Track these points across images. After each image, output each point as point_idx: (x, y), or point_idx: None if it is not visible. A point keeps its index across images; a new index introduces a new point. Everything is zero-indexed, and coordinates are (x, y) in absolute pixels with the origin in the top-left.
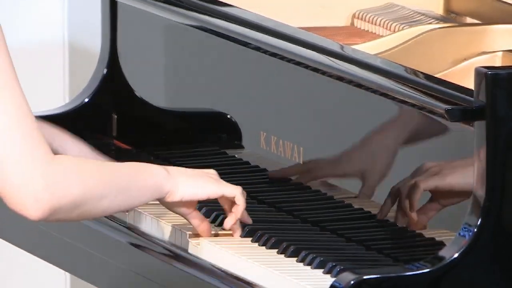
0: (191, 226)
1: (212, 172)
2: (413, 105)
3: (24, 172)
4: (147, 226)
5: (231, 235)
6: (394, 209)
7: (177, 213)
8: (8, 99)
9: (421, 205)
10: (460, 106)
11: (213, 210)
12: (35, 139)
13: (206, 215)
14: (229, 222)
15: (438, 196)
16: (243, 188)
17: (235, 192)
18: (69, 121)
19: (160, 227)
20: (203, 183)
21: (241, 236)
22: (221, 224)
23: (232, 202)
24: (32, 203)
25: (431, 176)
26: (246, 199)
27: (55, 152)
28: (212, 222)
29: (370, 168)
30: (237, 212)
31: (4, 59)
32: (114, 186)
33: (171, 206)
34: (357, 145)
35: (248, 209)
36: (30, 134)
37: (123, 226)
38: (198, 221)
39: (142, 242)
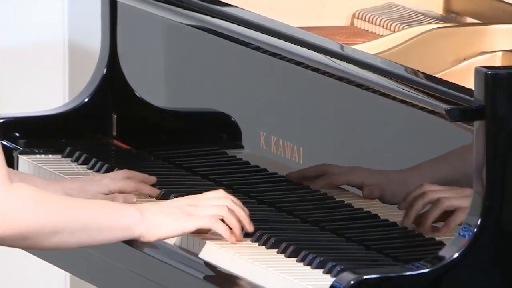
0: None
1: (188, 202)
2: (413, 105)
3: None
4: None
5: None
6: (395, 210)
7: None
8: None
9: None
10: (460, 106)
11: None
12: None
13: None
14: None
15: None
16: (243, 188)
17: (210, 223)
18: (69, 121)
19: None
20: (176, 220)
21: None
22: None
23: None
24: None
25: (452, 193)
26: (247, 200)
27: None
28: None
29: (370, 168)
30: (225, 236)
31: None
32: (72, 224)
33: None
34: (357, 145)
35: (248, 209)
36: None
37: None
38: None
39: (141, 242)
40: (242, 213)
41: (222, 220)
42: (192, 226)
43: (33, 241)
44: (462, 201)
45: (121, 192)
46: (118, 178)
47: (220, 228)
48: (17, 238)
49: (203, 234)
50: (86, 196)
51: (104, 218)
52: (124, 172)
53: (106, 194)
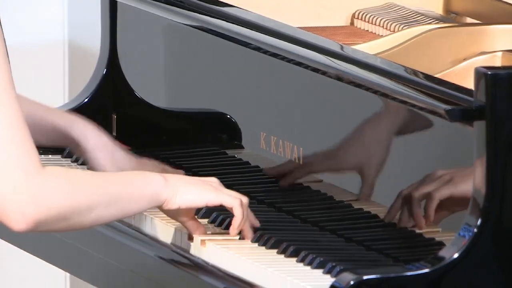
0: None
1: (213, 180)
2: (413, 105)
3: (10, 182)
4: (147, 227)
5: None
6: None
7: (174, 220)
8: (1, 107)
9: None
10: (460, 106)
11: (212, 210)
12: (25, 149)
13: (206, 215)
14: (231, 231)
15: (452, 203)
16: (243, 188)
17: (233, 203)
18: None
19: (160, 228)
20: (201, 190)
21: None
22: (220, 224)
23: None
24: (16, 215)
25: (444, 185)
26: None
27: (76, 140)
28: (212, 222)
29: (370, 168)
30: (235, 223)
31: (2, 67)
32: (104, 197)
33: (169, 213)
34: (357, 145)
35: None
36: (20, 143)
37: (124, 226)
38: (195, 228)
39: (142, 242)
40: (252, 219)
41: None
42: (216, 198)
43: (72, 221)
44: (453, 189)
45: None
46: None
47: (240, 212)
48: (57, 219)
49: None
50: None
51: (132, 188)
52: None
53: None
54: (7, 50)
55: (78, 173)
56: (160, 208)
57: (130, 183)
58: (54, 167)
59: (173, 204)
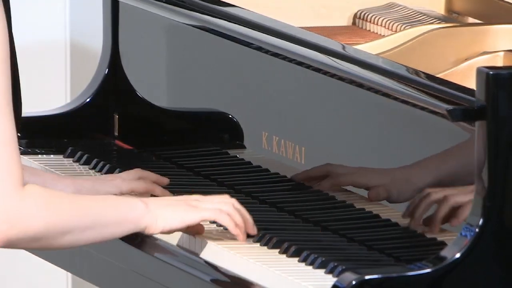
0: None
1: (193, 197)
2: (414, 105)
3: None
4: None
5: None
6: (397, 210)
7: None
8: None
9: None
10: (461, 106)
11: None
12: (8, 167)
13: None
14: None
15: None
16: (245, 188)
17: (214, 216)
18: (71, 121)
19: None
20: (182, 212)
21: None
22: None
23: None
24: None
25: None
26: (248, 200)
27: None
28: (212, 222)
29: (372, 168)
30: (232, 231)
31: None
32: (81, 222)
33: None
34: (359, 145)
35: (250, 209)
36: (4, 161)
37: None
38: (194, 232)
39: (142, 242)
40: (247, 215)
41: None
42: (196, 217)
43: (46, 242)
44: (468, 196)
45: (133, 191)
46: (130, 178)
47: (225, 219)
48: (30, 240)
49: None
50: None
51: (111, 214)
52: (136, 172)
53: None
54: (13, 67)
55: (57, 195)
56: (144, 233)
57: (110, 208)
58: (34, 187)
59: (155, 230)
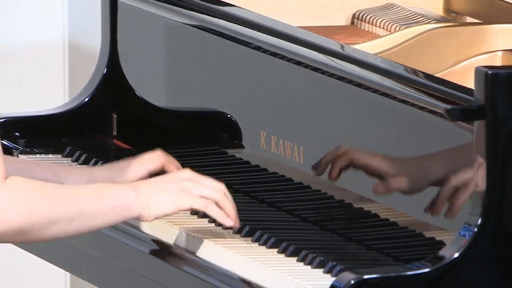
0: (191, 226)
1: (185, 176)
2: (413, 105)
3: None
4: (147, 226)
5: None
6: (395, 209)
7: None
8: None
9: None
10: (460, 105)
11: None
12: None
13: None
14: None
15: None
16: (244, 188)
17: (202, 206)
18: (69, 120)
19: (160, 227)
20: (174, 197)
21: (241, 236)
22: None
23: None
24: None
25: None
26: (247, 200)
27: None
28: (211, 222)
29: (371, 168)
30: (221, 221)
31: None
32: (67, 212)
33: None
34: (358, 145)
35: (249, 208)
36: None
37: (124, 225)
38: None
39: (142, 242)
40: (233, 205)
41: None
42: (187, 204)
43: (32, 234)
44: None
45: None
46: (147, 161)
47: (215, 211)
48: (16, 233)
49: (203, 234)
50: None
51: (98, 203)
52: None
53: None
54: None
55: (41, 186)
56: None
57: (97, 197)
58: (16, 179)
59: (149, 217)
